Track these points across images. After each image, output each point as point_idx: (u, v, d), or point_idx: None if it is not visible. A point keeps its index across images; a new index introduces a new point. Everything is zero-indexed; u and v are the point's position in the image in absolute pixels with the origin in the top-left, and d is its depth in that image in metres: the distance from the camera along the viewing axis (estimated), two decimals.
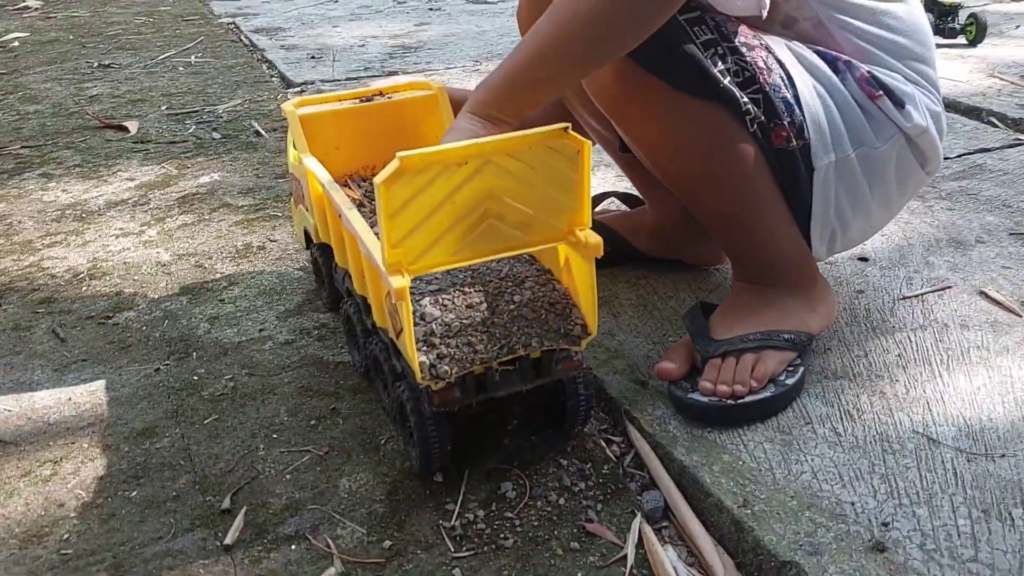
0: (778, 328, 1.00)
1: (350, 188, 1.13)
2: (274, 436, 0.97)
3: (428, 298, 0.89)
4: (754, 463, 0.90)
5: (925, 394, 0.99)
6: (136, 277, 1.32)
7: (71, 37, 2.97)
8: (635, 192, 1.38)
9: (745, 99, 0.92)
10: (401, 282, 0.78)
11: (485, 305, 0.89)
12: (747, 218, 0.99)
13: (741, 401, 0.94)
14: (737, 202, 0.97)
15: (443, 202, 0.79)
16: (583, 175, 0.82)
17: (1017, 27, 2.55)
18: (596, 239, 0.84)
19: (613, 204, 1.38)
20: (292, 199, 1.24)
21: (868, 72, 0.97)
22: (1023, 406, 0.96)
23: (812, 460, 0.90)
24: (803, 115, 0.95)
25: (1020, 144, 1.72)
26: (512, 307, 0.89)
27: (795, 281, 1.03)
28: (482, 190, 0.80)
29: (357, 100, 1.15)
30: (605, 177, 1.61)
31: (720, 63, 0.91)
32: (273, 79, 2.38)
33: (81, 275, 1.33)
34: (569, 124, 0.80)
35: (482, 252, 0.83)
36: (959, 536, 0.80)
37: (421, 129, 1.15)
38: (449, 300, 0.89)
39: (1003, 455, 0.89)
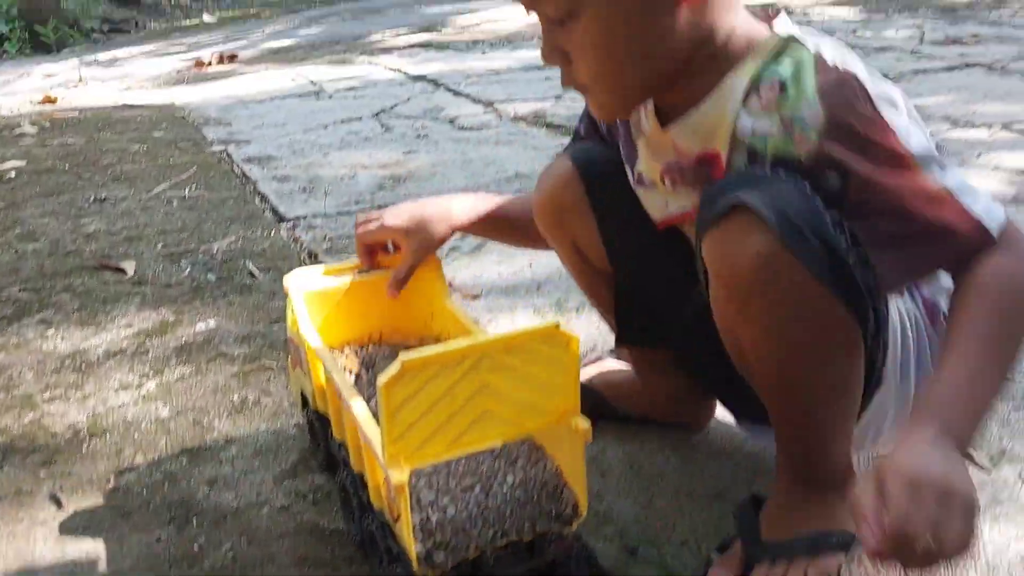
0: (828, 528, 0.98)
1: (348, 359, 1.18)
2: None
3: (423, 480, 0.93)
4: None
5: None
6: (136, 435, 1.35)
7: (67, 167, 3.05)
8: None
9: (871, 313, 0.90)
10: (401, 477, 0.83)
11: (479, 487, 0.93)
12: (828, 428, 0.96)
13: None
14: (827, 412, 0.94)
15: (441, 398, 0.84)
16: (573, 365, 0.88)
17: (978, 155, 2.67)
18: (586, 425, 0.89)
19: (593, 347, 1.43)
20: (290, 360, 1.28)
21: (930, 296, 1.01)
22: (993, 570, 1.00)
23: None
24: (887, 334, 0.95)
25: None
26: (505, 489, 0.93)
27: (841, 481, 1.01)
28: (478, 384, 0.85)
29: (355, 272, 1.21)
30: (590, 319, 1.67)
31: (858, 271, 0.87)
32: (266, 213, 2.45)
33: (81, 433, 1.36)
34: (560, 322, 0.86)
35: (478, 442, 0.88)
36: None
37: (417, 298, 1.21)
38: (443, 482, 0.94)
39: None
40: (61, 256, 2.13)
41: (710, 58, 0.92)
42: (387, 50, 5.57)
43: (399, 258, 1.21)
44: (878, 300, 0.91)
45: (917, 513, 0.70)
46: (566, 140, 3.10)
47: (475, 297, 1.79)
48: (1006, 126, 2.91)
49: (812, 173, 0.88)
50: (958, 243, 0.87)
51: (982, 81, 3.60)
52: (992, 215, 0.87)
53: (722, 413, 1.30)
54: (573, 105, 3.74)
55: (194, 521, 1.15)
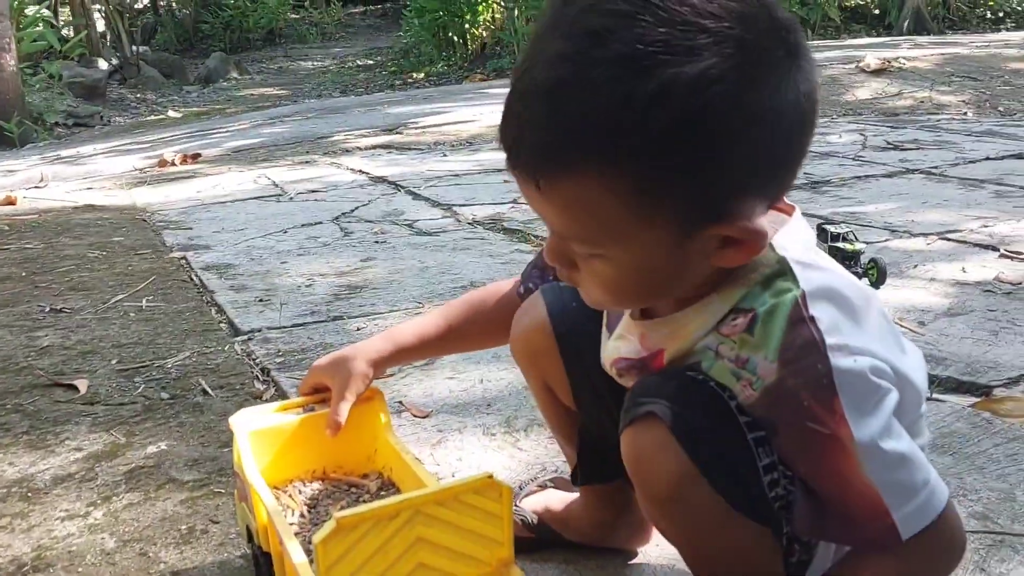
0: None
1: (291, 495, 1.21)
2: None
3: None
4: None
5: None
6: (80, 569, 1.35)
7: (23, 274, 3.06)
8: (563, 476, 1.48)
9: (786, 523, 0.93)
10: None
11: None
12: None
13: None
14: None
15: (376, 552, 0.87)
16: (506, 515, 0.92)
17: (915, 266, 2.77)
18: (519, 574, 0.92)
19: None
20: (236, 494, 1.30)
21: None
22: None
23: None
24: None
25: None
26: None
27: None
28: (412, 538, 0.89)
29: (300, 410, 1.25)
30: (539, 438, 1.70)
31: (774, 489, 0.91)
32: (221, 325, 2.48)
33: (25, 567, 1.36)
34: (493, 473, 0.90)
35: None
36: None
37: (359, 433, 1.25)
38: None
39: None
40: (13, 373, 2.14)
41: (712, 275, 0.91)
42: (349, 151, 5.68)
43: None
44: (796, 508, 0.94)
45: None
46: (522, 246, 3.21)
47: (425, 416, 1.82)
48: (942, 235, 3.03)
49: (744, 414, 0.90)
50: (864, 538, 0.91)
51: (921, 188, 3.77)
52: (914, 519, 0.87)
53: (659, 540, 1.34)
54: (530, 210, 3.84)
55: None
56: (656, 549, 1.33)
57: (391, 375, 1.99)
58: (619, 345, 1.03)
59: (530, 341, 1.19)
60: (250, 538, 1.26)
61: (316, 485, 1.25)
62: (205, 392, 1.99)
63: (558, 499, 1.37)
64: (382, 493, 1.21)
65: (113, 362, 2.19)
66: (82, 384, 2.04)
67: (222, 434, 1.77)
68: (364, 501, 1.18)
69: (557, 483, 1.44)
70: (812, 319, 0.87)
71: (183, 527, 1.45)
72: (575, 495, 1.36)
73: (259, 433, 1.21)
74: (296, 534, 1.10)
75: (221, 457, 1.67)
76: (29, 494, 1.58)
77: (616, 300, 0.95)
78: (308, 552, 1.02)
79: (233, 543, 1.40)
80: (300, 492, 1.23)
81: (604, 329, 1.10)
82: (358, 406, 1.23)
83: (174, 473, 1.63)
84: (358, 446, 1.26)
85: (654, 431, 0.89)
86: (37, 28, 9.71)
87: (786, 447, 0.91)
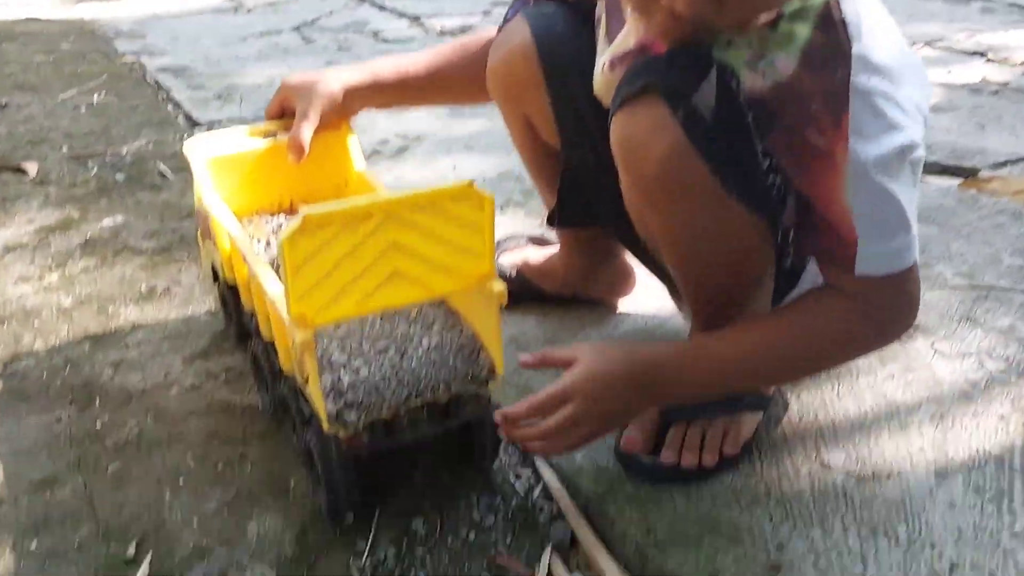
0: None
1: (256, 227, 1.13)
2: (180, 483, 0.96)
3: (335, 343, 0.90)
4: (656, 492, 0.93)
5: (817, 419, 1.04)
6: (36, 324, 1.29)
7: None
8: (538, 233, 1.42)
9: (783, 216, 0.88)
10: (305, 335, 0.79)
11: (393, 349, 0.90)
12: (738, 311, 0.94)
13: (709, 468, 0.93)
14: (735, 299, 0.94)
15: (347, 255, 0.80)
16: (487, 226, 0.84)
17: None
18: (500, 287, 0.86)
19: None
20: (199, 233, 1.23)
21: None
22: (907, 429, 1.02)
23: (711, 487, 0.93)
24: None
25: None
26: (420, 352, 0.91)
27: None
28: (387, 242, 0.81)
29: (263, 136, 1.15)
30: (515, 216, 1.64)
31: (771, 174, 0.85)
32: (179, 119, 2.35)
33: None
34: (474, 180, 0.82)
35: (387, 302, 0.85)
36: (849, 554, 0.84)
37: (329, 164, 1.16)
38: (357, 345, 0.90)
39: (888, 476, 0.95)
40: None
41: None
42: None
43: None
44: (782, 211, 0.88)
45: (554, 412, 0.86)
46: None
47: None
48: (929, 43, 2.94)
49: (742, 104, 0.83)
50: (824, 252, 0.87)
51: (906, 3, 3.63)
52: (877, 261, 0.83)
53: (639, 296, 1.30)
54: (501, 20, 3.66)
55: (97, 402, 1.11)
56: (636, 304, 1.29)
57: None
58: (615, 48, 0.94)
59: (511, 69, 1.08)
60: (215, 277, 1.19)
61: (283, 217, 1.18)
62: (163, 175, 1.89)
63: (537, 253, 1.32)
64: None
65: (63, 149, 2.07)
66: (31, 167, 1.92)
67: (183, 209, 1.68)
68: None
69: (535, 241, 1.38)
70: (843, 23, 0.80)
71: (143, 287, 1.39)
72: (554, 249, 1.31)
73: (219, 161, 1.12)
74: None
75: (183, 228, 1.59)
76: None
77: (744, 18, 0.81)
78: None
79: (198, 300, 1.34)
80: (266, 224, 1.15)
81: (601, 44, 1.00)
82: (325, 133, 1.13)
83: (132, 242, 1.55)
84: (327, 177, 1.18)
85: (649, 108, 0.82)
86: None
87: (778, 145, 0.85)
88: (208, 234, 1.14)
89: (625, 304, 1.29)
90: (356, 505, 0.91)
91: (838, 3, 0.81)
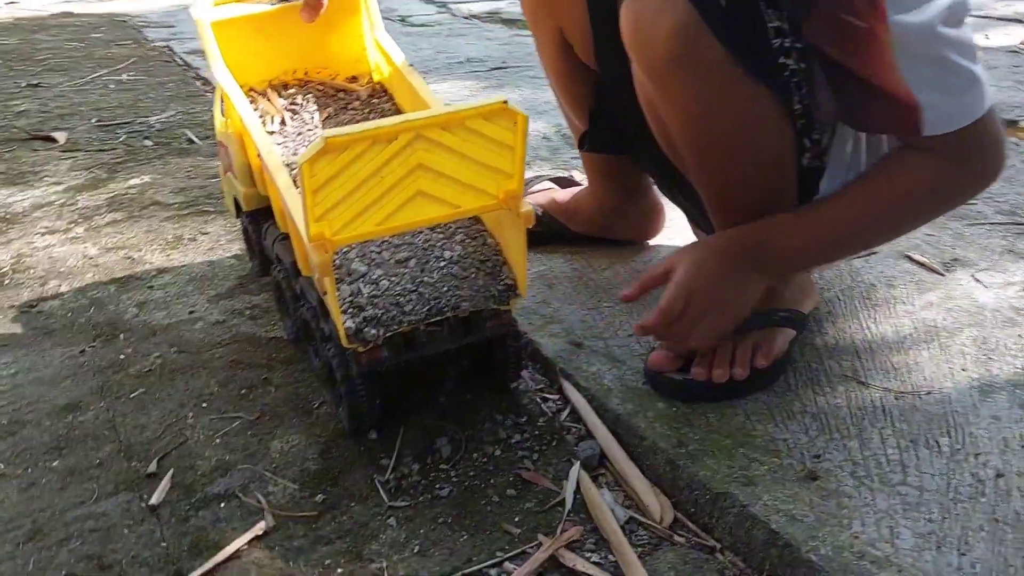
0: (774, 306, 0.96)
1: (270, 99, 1.08)
2: (203, 405, 0.95)
3: (355, 251, 0.88)
4: (688, 409, 0.90)
5: (854, 343, 1.01)
6: (62, 270, 1.29)
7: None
8: (565, 174, 1.39)
9: (797, 100, 0.86)
10: (324, 258, 0.77)
11: (414, 261, 0.88)
12: (761, 207, 0.92)
13: (738, 382, 0.91)
14: (756, 190, 0.91)
15: (370, 176, 0.77)
16: (519, 145, 0.80)
17: None
18: (528, 209, 0.83)
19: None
20: (221, 167, 1.21)
21: None
22: (947, 351, 0.98)
23: (745, 404, 0.90)
24: (831, 141, 0.92)
25: None
26: (442, 264, 0.88)
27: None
28: (412, 163, 0.77)
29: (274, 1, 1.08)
30: (541, 171, 1.62)
31: (783, 56, 0.83)
32: (207, 93, 2.36)
33: (4, 271, 1.30)
34: (507, 99, 0.77)
35: (410, 222, 0.81)
36: (888, 463, 0.81)
37: (346, 29, 1.11)
38: (377, 254, 0.89)
39: (929, 392, 0.91)
40: None
41: None
42: None
43: None
44: (807, 91, 0.86)
45: (681, 314, 0.87)
46: (521, 31, 3.05)
47: None
48: None
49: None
50: (887, 124, 0.86)
51: None
52: (946, 118, 0.81)
53: (671, 234, 1.27)
54: None
55: (121, 337, 1.10)
56: (668, 241, 1.27)
57: None
58: None
59: None
60: (238, 212, 1.17)
61: (296, 89, 1.11)
62: (191, 141, 1.89)
63: (563, 192, 1.29)
64: (374, 100, 1.08)
65: (93, 120, 2.08)
66: (61, 136, 1.93)
67: (210, 170, 1.68)
68: (353, 109, 1.07)
69: (560, 183, 1.35)
70: None
71: (169, 236, 1.38)
72: (581, 187, 1.28)
73: (226, 24, 1.04)
74: (278, 144, 1.01)
75: (210, 186, 1.59)
76: (7, 217, 1.50)
77: None
78: (292, 168, 0.94)
79: (223, 247, 1.33)
80: (280, 96, 1.09)
81: None
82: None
83: (159, 198, 1.55)
84: (343, 43, 1.11)
85: None
86: None
87: (816, 32, 0.83)
88: (229, 167, 1.13)
89: (654, 242, 1.26)
90: (378, 422, 0.89)
91: None
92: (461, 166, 0.80)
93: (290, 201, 0.85)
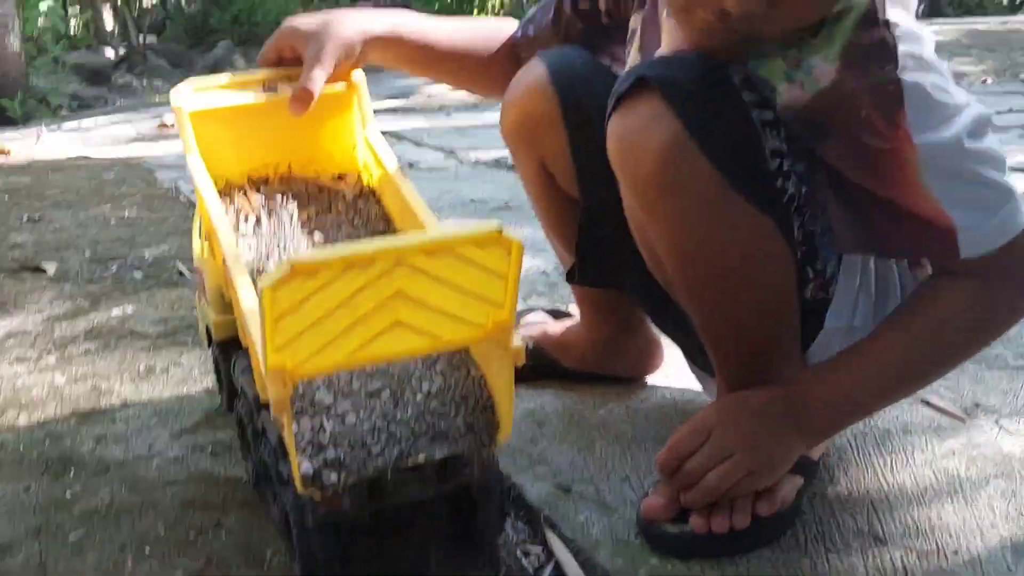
0: None
1: (246, 195, 1.00)
2: (146, 550, 0.86)
3: (322, 378, 0.81)
4: (685, 566, 0.80)
5: (870, 495, 0.91)
6: (24, 400, 1.22)
7: (6, 199, 2.94)
8: (558, 307, 1.34)
9: (798, 226, 0.82)
10: (281, 392, 0.69)
11: (387, 392, 0.80)
12: (758, 343, 0.86)
13: (740, 532, 0.82)
14: (753, 323, 0.85)
15: (341, 304, 0.70)
16: (512, 274, 0.71)
17: None
18: (518, 345, 0.74)
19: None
20: (196, 293, 1.15)
21: None
22: (974, 505, 0.89)
23: (749, 562, 0.81)
24: (836, 270, 0.86)
25: None
26: (419, 398, 0.80)
27: None
28: (391, 290, 0.68)
29: (260, 87, 1.00)
30: (537, 304, 1.56)
31: (782, 179, 0.80)
32: None
33: None
34: (502, 225, 0.69)
35: (386, 354, 0.73)
36: None
37: (332, 124, 1.03)
38: (346, 383, 0.81)
39: (956, 551, 0.81)
40: None
41: None
42: None
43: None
44: (809, 216, 0.82)
45: (696, 460, 0.81)
46: None
47: None
48: None
49: (778, 122, 0.79)
50: (921, 249, 0.82)
51: None
52: (982, 241, 0.77)
53: (669, 371, 1.20)
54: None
55: (71, 472, 1.01)
56: (666, 379, 1.19)
57: None
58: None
59: (527, 107, 1.01)
60: (210, 342, 1.10)
61: (278, 185, 1.02)
62: (181, 273, 1.85)
63: (555, 324, 1.22)
64: (360, 203, 1.00)
65: (87, 253, 2.05)
66: (50, 267, 1.90)
67: (195, 301, 1.63)
68: (336, 211, 0.99)
69: (554, 314, 1.29)
70: (887, 22, 0.75)
71: (142, 367, 1.31)
72: (574, 320, 1.22)
73: (207, 114, 0.96)
74: (250, 248, 0.93)
75: (191, 316, 1.53)
76: None
77: (793, 23, 0.76)
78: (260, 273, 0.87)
79: (195, 380, 1.26)
80: (259, 191, 1.01)
81: (632, 58, 0.95)
82: (333, 89, 0.97)
83: (138, 328, 1.49)
84: (332, 141, 1.03)
85: (644, 104, 0.76)
86: (44, 7, 9.66)
87: (836, 155, 0.79)
88: (203, 294, 1.07)
89: (652, 380, 1.19)
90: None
91: (883, 4, 0.75)
92: (446, 295, 0.72)
93: (247, 311, 0.78)
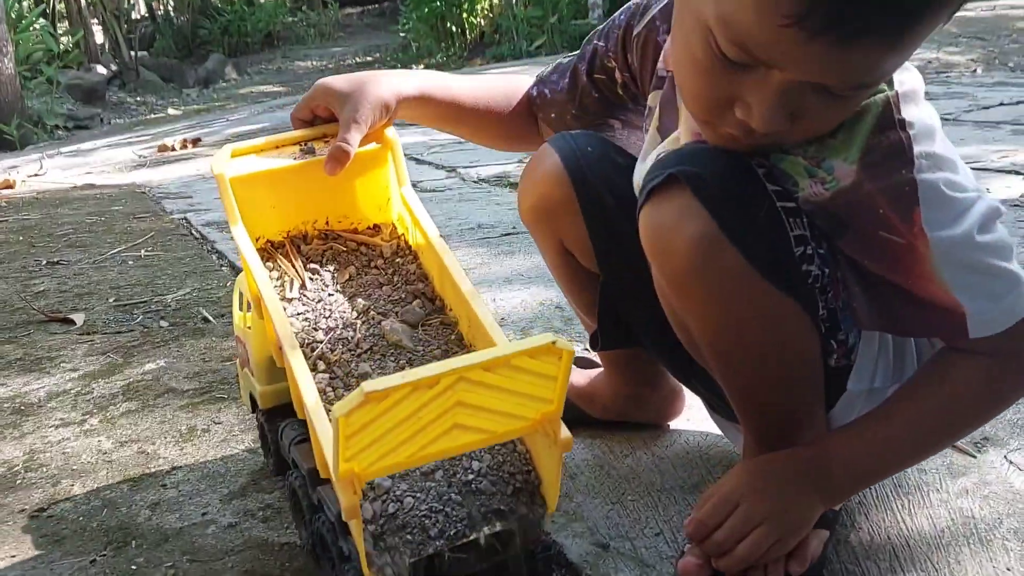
0: None
1: (289, 258, 1.05)
2: None
3: None
4: None
5: (890, 539, 0.97)
6: (75, 467, 1.27)
7: (20, 239, 2.99)
8: (586, 356, 1.39)
9: (822, 305, 0.87)
10: (351, 499, 0.75)
11: (440, 473, 0.86)
12: (785, 411, 0.92)
13: None
14: (781, 395, 0.91)
15: (406, 419, 0.74)
16: (562, 376, 0.77)
17: None
18: (567, 436, 0.80)
19: None
20: (238, 362, 1.21)
21: None
22: (989, 547, 0.94)
23: None
24: (857, 338, 0.92)
25: None
26: (471, 476, 0.86)
27: None
28: (452, 402, 0.75)
29: (297, 148, 1.04)
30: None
31: (806, 264, 0.85)
32: (223, 268, 2.40)
33: (16, 468, 1.28)
34: (556, 337, 0.74)
35: (444, 449, 0.78)
36: None
37: (367, 179, 1.07)
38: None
39: None
40: (7, 313, 2.06)
41: None
42: None
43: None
44: (832, 295, 0.87)
45: (725, 532, 0.87)
46: None
47: None
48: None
49: (800, 212, 0.84)
50: (933, 329, 0.88)
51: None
52: (992, 323, 0.82)
53: (690, 415, 1.25)
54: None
55: (133, 543, 1.07)
56: (688, 423, 1.24)
57: None
58: (667, 147, 0.94)
59: (544, 193, 1.07)
60: (254, 408, 1.16)
61: (318, 243, 1.07)
62: (206, 320, 1.90)
63: (581, 375, 1.28)
64: (398, 260, 1.05)
65: (110, 300, 2.11)
66: (78, 318, 1.95)
67: (224, 351, 1.68)
68: (376, 268, 1.04)
69: (579, 363, 1.34)
70: (903, 123, 0.80)
71: (183, 427, 1.37)
72: (598, 371, 1.27)
73: (246, 179, 1.00)
74: (299, 314, 0.98)
75: (224, 369, 1.59)
76: (22, 407, 1.49)
77: (815, 135, 0.82)
78: (312, 347, 0.93)
79: (237, 439, 1.32)
80: (299, 252, 1.05)
81: (651, 136, 1.00)
82: (368, 148, 1.00)
83: (173, 384, 1.54)
84: (366, 194, 1.06)
85: (675, 199, 0.81)
86: (35, 28, 9.67)
87: (853, 248, 0.84)
88: (246, 362, 1.12)
89: (675, 425, 1.24)
90: None
91: (898, 103, 0.80)
92: (501, 398, 0.77)
93: (307, 400, 0.83)
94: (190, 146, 5.63)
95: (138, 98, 10.96)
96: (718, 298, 0.84)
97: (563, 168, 1.05)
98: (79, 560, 1.04)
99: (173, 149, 5.55)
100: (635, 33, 1.03)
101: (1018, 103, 4.35)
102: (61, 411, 1.47)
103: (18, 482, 1.24)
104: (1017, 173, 2.81)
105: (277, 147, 1.04)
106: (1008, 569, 0.90)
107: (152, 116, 9.17)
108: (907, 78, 0.83)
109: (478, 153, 4.11)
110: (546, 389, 0.77)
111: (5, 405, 1.51)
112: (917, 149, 0.80)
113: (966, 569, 0.91)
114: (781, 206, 0.83)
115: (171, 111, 9.32)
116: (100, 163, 5.36)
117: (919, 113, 0.82)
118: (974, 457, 1.12)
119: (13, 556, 1.06)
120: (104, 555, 1.05)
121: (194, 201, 3.55)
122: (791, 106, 0.75)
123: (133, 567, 1.02)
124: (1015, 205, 2.42)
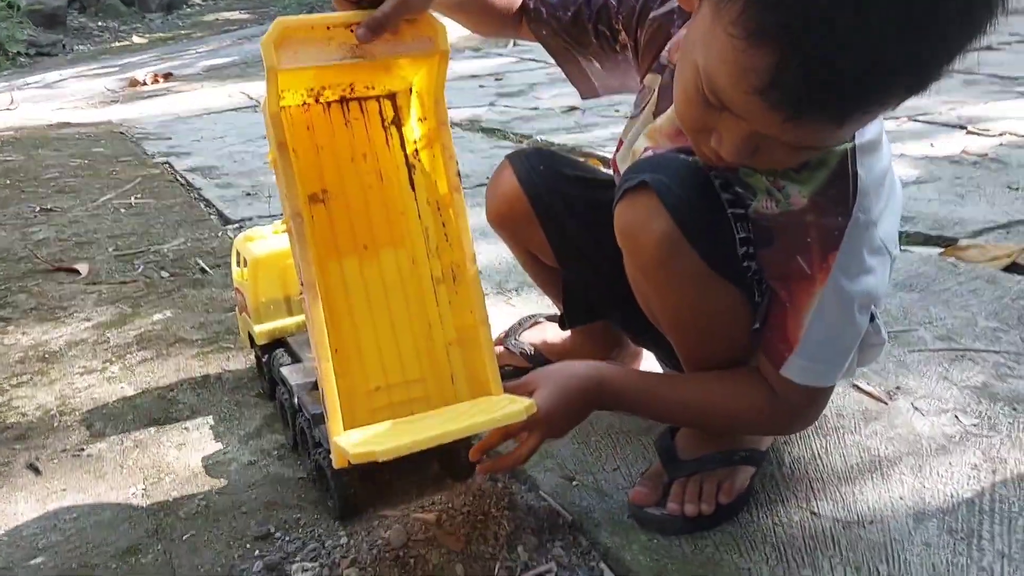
0: (735, 447, 1.13)
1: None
2: (247, 546, 1.09)
3: None
4: (666, 541, 1.05)
5: (807, 474, 1.17)
6: (104, 411, 1.43)
7: (8, 182, 3.08)
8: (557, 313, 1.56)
9: (757, 294, 1.03)
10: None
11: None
12: (725, 359, 1.08)
13: (706, 515, 1.07)
14: (727, 354, 1.08)
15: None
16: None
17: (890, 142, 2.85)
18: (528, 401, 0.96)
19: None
20: (237, 308, 1.47)
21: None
22: (888, 480, 1.14)
23: (715, 536, 1.06)
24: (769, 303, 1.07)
25: None
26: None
27: None
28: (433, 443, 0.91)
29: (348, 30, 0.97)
30: (528, 296, 1.79)
31: (747, 260, 1.01)
32: (212, 217, 2.53)
33: (52, 412, 1.44)
34: (536, 405, 0.95)
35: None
36: None
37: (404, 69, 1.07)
38: None
39: (871, 521, 1.07)
40: (13, 262, 2.19)
41: None
42: None
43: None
44: (766, 286, 1.04)
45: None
46: (501, 142, 3.25)
47: None
48: (912, 118, 3.12)
49: (747, 217, 1.00)
50: (769, 344, 1.03)
51: None
52: (802, 373, 1.00)
53: (647, 366, 1.44)
54: (507, 110, 3.87)
55: (167, 479, 1.24)
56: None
57: None
58: (657, 130, 1.11)
59: (507, 210, 1.26)
60: (252, 344, 1.41)
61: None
62: (203, 270, 2.05)
63: (555, 333, 1.46)
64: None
65: (110, 250, 2.24)
66: (83, 267, 2.09)
67: (224, 303, 1.84)
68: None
69: (553, 319, 1.52)
70: (855, 176, 0.94)
71: (197, 375, 1.53)
72: (569, 334, 1.45)
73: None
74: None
75: (227, 320, 1.75)
76: (46, 356, 1.65)
77: (779, 167, 0.95)
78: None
79: (247, 387, 1.49)
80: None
81: (645, 115, 1.14)
82: (423, 46, 0.99)
83: (183, 334, 1.70)
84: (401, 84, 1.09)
85: (644, 200, 0.98)
86: None
87: (769, 258, 1.01)
88: (244, 308, 1.36)
89: None
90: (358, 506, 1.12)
91: (855, 157, 0.93)
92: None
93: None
94: (161, 80, 5.66)
95: (100, 23, 10.78)
96: (678, 284, 1.01)
97: (519, 187, 1.24)
98: (124, 492, 1.21)
99: (144, 84, 5.58)
100: (652, 15, 1.13)
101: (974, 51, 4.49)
102: (83, 359, 1.62)
103: (55, 425, 1.40)
104: (962, 127, 2.98)
105: (328, 28, 0.97)
106: (901, 498, 1.11)
107: (117, 44, 9.06)
108: (869, 128, 0.93)
109: (450, 94, 4.20)
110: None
111: (31, 353, 1.66)
112: (859, 202, 0.93)
113: (867, 498, 1.11)
114: (731, 212, 0.99)
115: (136, 39, 9.20)
116: (71, 96, 5.39)
117: (873, 163, 0.95)
118: (886, 404, 1.32)
119: (63, 489, 1.23)
120: (144, 488, 1.22)
121: (174, 143, 3.64)
122: (754, 146, 0.87)
123: (170, 499, 1.19)
124: (954, 162, 2.60)
